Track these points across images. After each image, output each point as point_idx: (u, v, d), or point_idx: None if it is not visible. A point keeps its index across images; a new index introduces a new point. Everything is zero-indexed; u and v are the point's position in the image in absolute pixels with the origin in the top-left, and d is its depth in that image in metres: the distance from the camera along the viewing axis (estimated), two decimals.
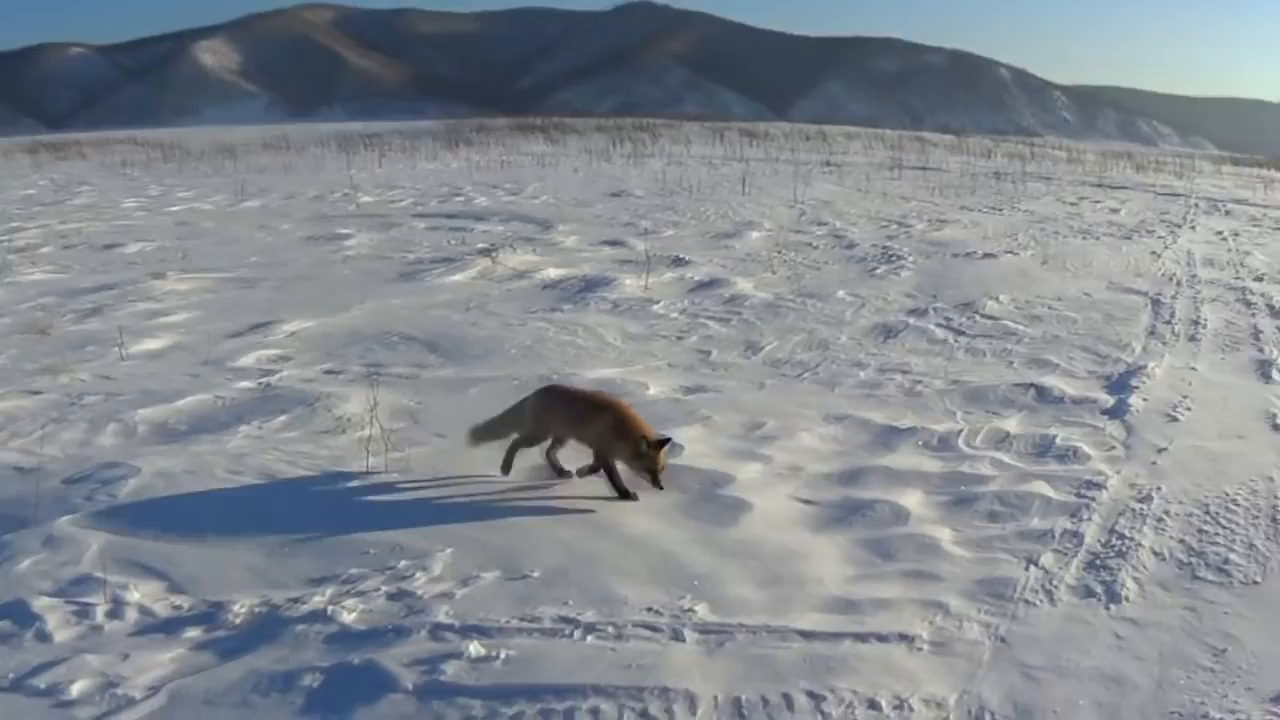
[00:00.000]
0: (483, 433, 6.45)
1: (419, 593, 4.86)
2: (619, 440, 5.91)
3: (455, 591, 4.87)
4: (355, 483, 6.21)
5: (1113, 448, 7.21)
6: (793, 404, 7.99)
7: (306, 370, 8.97)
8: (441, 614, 4.65)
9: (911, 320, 11.12)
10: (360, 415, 7.29)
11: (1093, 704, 4.20)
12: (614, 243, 16.25)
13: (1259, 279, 14.25)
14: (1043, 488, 6.37)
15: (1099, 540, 5.70)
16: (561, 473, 6.27)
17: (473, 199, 22.84)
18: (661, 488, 5.92)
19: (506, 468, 6.28)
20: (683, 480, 6.21)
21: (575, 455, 6.33)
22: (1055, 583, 5.20)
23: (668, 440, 6.00)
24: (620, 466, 6.01)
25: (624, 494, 5.97)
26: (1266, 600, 5.08)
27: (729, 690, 4.14)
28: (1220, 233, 19.14)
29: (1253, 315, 11.77)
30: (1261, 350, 10.14)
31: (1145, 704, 4.21)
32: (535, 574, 5.06)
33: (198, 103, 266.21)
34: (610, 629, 4.56)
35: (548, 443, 6.30)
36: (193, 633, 4.56)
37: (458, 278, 13.39)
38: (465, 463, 6.43)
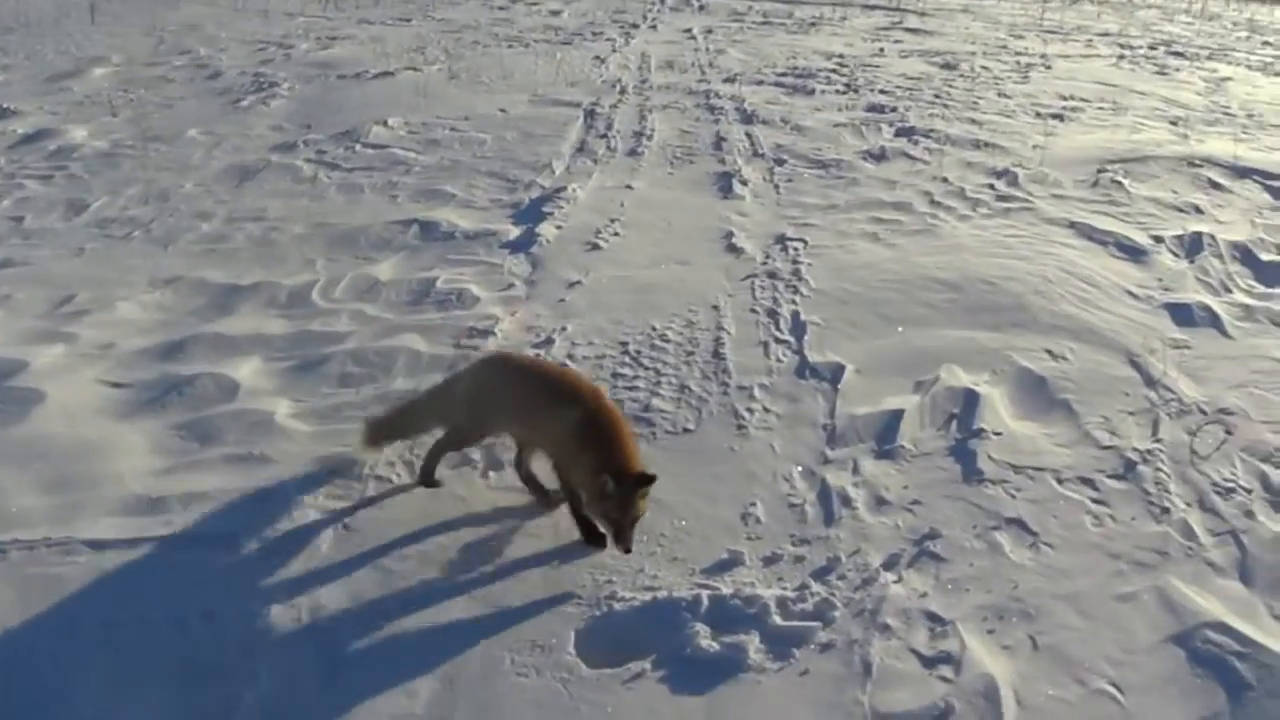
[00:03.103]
0: (387, 428, 5.41)
1: None
2: (579, 453, 4.65)
3: None
4: None
5: (510, 286, 7.66)
6: (115, 270, 8.17)
7: None
8: None
9: (275, 157, 11.35)
10: None
11: None
12: None
13: (731, 80, 15.45)
14: (414, 340, 6.64)
15: None
16: (543, 495, 5.12)
17: None
18: (628, 551, 4.53)
19: (428, 477, 5.25)
20: None
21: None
22: (418, 455, 5.35)
23: (652, 479, 4.53)
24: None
25: (591, 536, 4.79)
26: (702, 451, 5.50)
27: None
28: (689, 31, 20.57)
29: (716, 122, 12.78)
30: (723, 161, 11.07)
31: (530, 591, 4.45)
32: None
33: None
34: None
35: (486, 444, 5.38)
36: None
37: None
38: None
